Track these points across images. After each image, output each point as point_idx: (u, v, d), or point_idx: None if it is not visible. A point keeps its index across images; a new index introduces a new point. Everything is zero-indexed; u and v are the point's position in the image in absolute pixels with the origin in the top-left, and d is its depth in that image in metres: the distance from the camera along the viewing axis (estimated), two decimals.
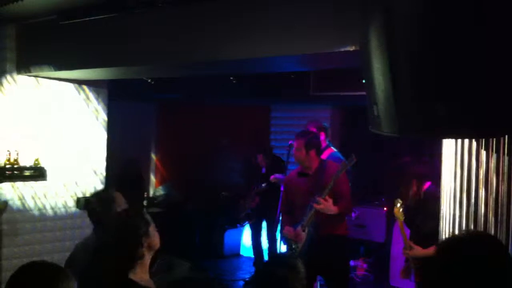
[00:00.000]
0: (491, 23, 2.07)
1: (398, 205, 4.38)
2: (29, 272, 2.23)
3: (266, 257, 7.59)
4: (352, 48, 3.38)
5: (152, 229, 2.97)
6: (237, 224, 8.79)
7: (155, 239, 2.97)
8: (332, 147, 6.25)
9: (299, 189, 5.13)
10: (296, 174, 5.29)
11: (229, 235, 8.74)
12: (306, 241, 4.99)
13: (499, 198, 2.53)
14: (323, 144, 6.23)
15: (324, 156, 6.11)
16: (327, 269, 5.02)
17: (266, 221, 7.53)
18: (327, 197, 4.82)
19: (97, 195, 3.83)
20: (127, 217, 3.09)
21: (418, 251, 4.32)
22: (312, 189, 4.95)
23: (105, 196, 3.70)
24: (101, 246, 3.03)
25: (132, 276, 2.82)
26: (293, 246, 5.06)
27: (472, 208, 2.65)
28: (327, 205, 4.82)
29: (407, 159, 4.88)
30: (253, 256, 7.85)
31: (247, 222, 8.26)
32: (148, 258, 2.93)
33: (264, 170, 7.52)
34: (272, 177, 6.90)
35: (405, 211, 4.39)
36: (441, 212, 2.93)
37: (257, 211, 7.56)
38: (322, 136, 6.22)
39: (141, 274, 2.86)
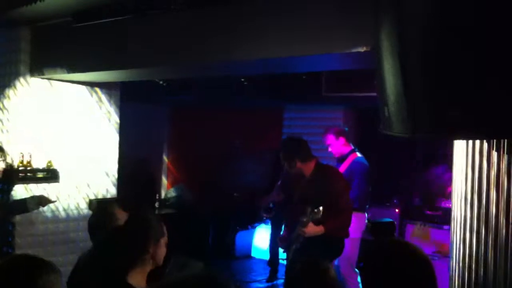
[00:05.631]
0: (507, 20, 2.05)
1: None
2: (10, 265, 2.21)
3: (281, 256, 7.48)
4: (363, 49, 3.39)
5: (163, 242, 2.91)
6: (250, 224, 8.76)
7: (162, 253, 2.89)
8: (357, 152, 6.15)
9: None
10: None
11: (240, 236, 8.75)
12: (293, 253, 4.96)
13: (511, 199, 2.52)
14: (346, 149, 6.18)
15: (348, 162, 6.05)
16: None
17: None
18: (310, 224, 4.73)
19: (99, 211, 3.68)
20: (141, 216, 2.98)
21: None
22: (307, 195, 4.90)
23: (105, 213, 3.52)
24: (103, 244, 2.91)
25: (130, 280, 2.74)
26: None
27: (483, 210, 2.64)
28: (311, 231, 4.74)
29: None
30: (269, 254, 7.59)
31: (268, 220, 8.05)
32: (148, 268, 2.84)
33: None
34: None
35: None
36: (452, 213, 2.92)
37: (279, 207, 7.09)
38: (342, 141, 6.17)
39: (139, 280, 2.78)
